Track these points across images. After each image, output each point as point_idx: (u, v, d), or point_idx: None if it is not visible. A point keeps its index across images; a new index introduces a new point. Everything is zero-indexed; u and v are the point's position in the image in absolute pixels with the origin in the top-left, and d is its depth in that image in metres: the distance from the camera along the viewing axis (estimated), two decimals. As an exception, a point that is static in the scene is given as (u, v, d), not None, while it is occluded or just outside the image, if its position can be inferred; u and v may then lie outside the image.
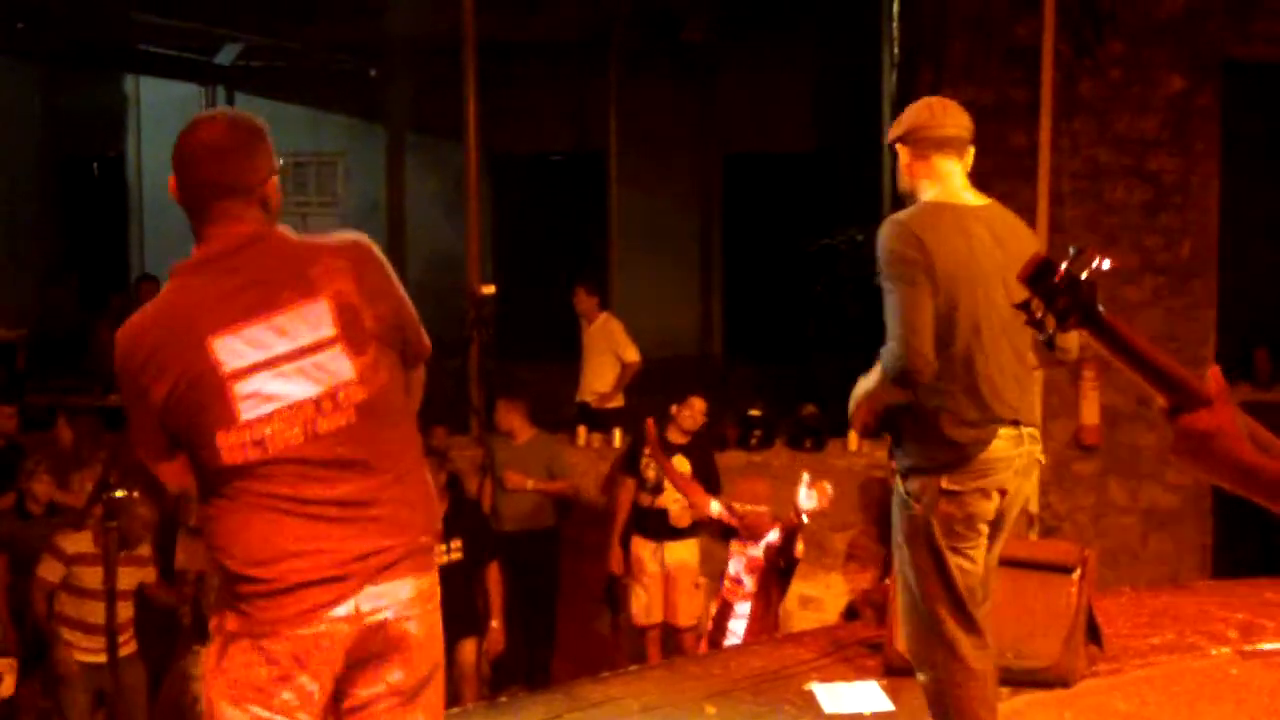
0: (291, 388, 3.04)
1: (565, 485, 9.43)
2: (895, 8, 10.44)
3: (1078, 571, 5.71)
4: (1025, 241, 4.16)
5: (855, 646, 6.30)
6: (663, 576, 8.92)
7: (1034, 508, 8.68)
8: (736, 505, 7.32)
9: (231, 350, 3.01)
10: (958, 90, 9.02)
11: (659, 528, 8.91)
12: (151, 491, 7.87)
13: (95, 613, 7.59)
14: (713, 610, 7.48)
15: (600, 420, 10.44)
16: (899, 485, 4.19)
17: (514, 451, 9.36)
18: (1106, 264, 2.22)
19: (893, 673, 5.77)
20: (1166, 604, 6.90)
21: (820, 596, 9.48)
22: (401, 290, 3.19)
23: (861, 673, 5.94)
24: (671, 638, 8.96)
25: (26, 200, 15.63)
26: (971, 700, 4.17)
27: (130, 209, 16.13)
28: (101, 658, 7.61)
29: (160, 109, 15.70)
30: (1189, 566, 8.93)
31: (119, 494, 6.36)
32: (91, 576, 7.72)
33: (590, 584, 9.66)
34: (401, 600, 3.11)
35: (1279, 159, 9.30)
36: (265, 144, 3.14)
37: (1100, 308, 2.17)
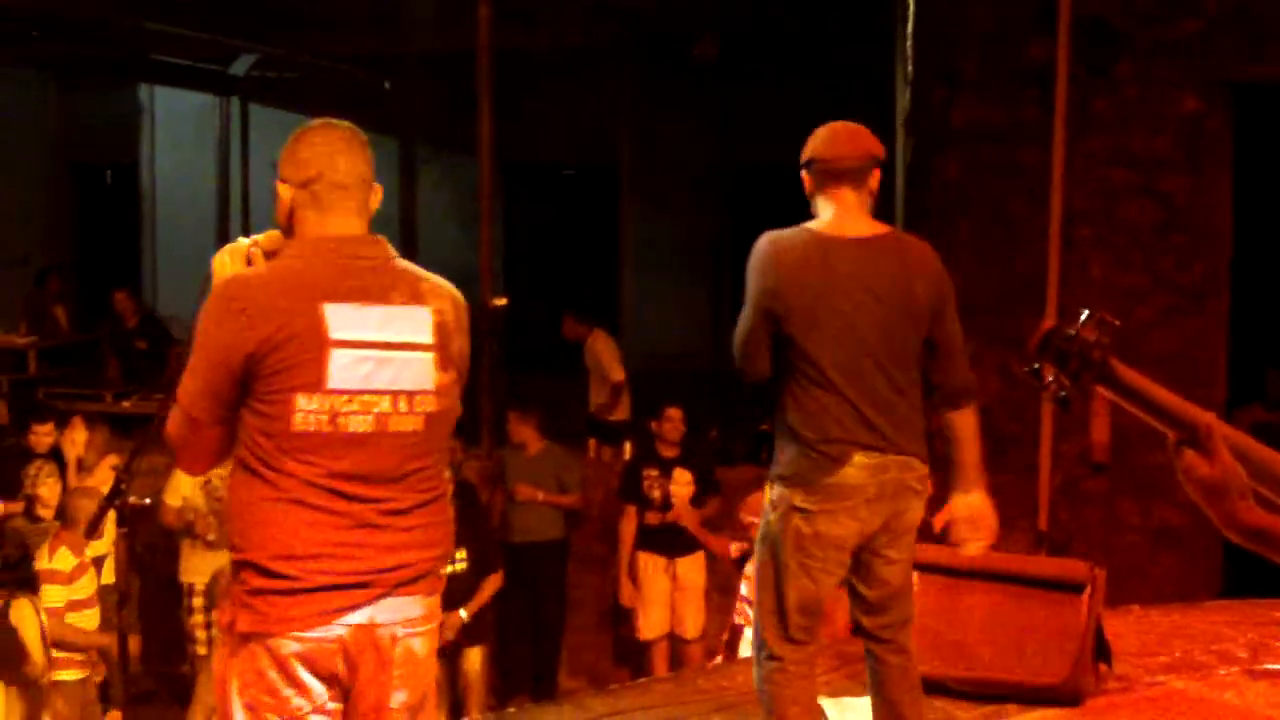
0: (381, 374, 3.11)
1: (575, 498, 9.46)
2: (909, 25, 10.46)
3: (1088, 589, 5.71)
4: (916, 272, 4.26)
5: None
6: (671, 591, 8.94)
7: (1043, 524, 8.70)
8: (744, 516, 7.32)
9: (341, 319, 3.08)
10: (969, 107, 9.05)
11: (670, 543, 8.93)
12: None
13: (87, 620, 7.65)
14: (725, 635, 7.50)
15: (608, 433, 10.48)
16: (768, 488, 4.36)
17: (525, 463, 9.38)
18: (1111, 324, 2.25)
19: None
20: (1176, 622, 6.90)
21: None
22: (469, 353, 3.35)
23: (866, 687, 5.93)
24: (678, 649, 8.97)
25: (40, 207, 15.68)
26: (786, 702, 4.34)
27: (143, 217, 16.18)
28: (85, 671, 7.65)
29: (174, 118, 15.80)
30: (1199, 585, 8.91)
31: (133, 499, 6.36)
32: (82, 587, 7.75)
33: (600, 597, 9.67)
34: (412, 618, 3.15)
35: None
36: (369, 149, 3.33)
37: (1115, 365, 2.19)
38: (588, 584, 9.64)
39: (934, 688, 5.64)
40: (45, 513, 8.47)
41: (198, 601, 8.57)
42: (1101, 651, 5.81)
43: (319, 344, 3.05)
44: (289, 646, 3.05)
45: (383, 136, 15.02)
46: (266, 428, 3.06)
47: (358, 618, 3.08)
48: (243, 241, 3.29)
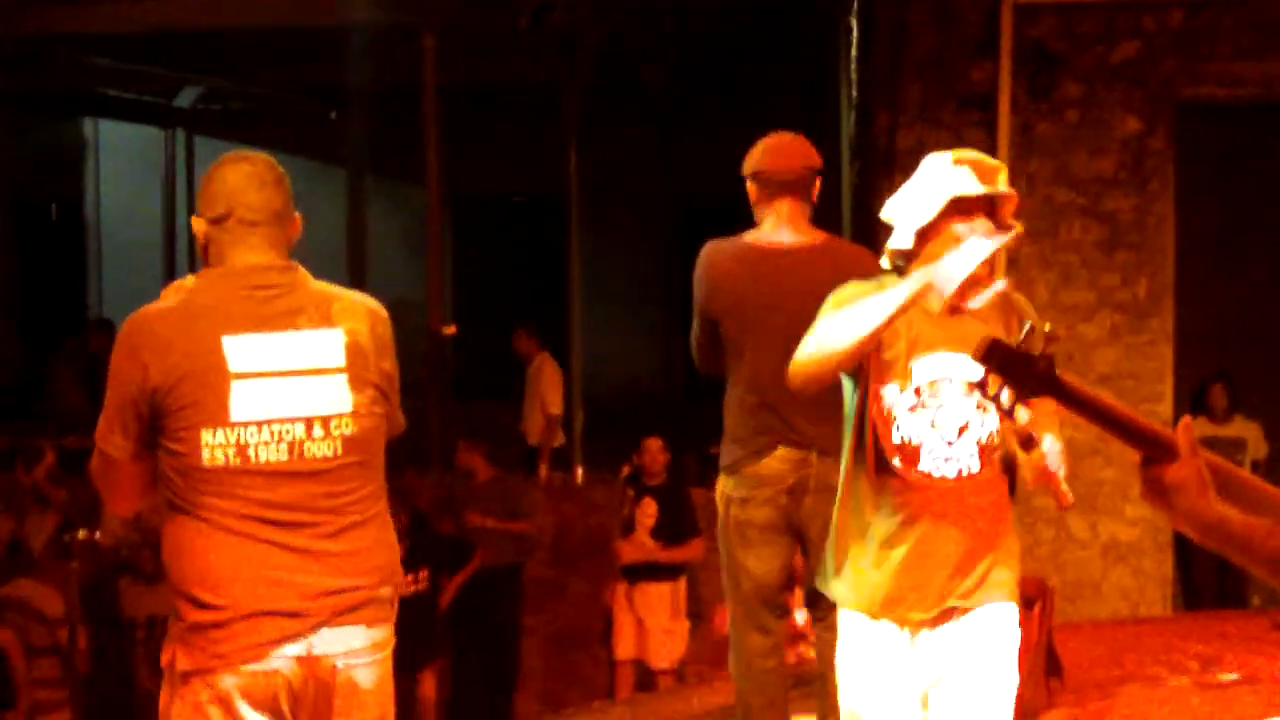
0: (289, 403, 3.08)
1: (526, 524, 9.44)
2: (853, 51, 10.54)
3: (1038, 605, 5.73)
4: (846, 277, 4.26)
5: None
6: (635, 619, 8.94)
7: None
8: None
9: (241, 350, 3.06)
10: (913, 132, 9.12)
11: (634, 570, 8.94)
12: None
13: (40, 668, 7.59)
14: None
15: (556, 458, 10.50)
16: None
17: (474, 491, 9.37)
18: (1052, 335, 2.30)
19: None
20: (1127, 636, 6.95)
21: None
22: (397, 369, 3.30)
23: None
24: (647, 678, 8.95)
25: (-17, 243, 15.57)
26: (752, 694, 4.62)
27: (88, 251, 16.07)
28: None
29: (119, 152, 15.72)
30: (1149, 599, 8.98)
31: (81, 534, 6.34)
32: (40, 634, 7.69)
33: (559, 621, 9.65)
34: (353, 648, 3.11)
35: (1232, 198, 9.41)
36: (287, 182, 3.29)
37: (1061, 375, 2.22)
38: (541, 609, 9.62)
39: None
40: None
41: (139, 634, 8.49)
42: (1053, 666, 5.83)
43: (220, 378, 3.03)
44: (228, 681, 3.01)
45: (331, 166, 15.02)
46: (178, 465, 3.05)
47: (296, 649, 3.04)
48: (187, 281, 3.27)
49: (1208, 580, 9.03)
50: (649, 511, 8.95)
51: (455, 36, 11.13)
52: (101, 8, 11.74)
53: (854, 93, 10.35)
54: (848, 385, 3.53)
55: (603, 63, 13.04)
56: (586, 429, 11.08)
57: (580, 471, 10.09)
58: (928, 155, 3.49)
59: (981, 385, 2.33)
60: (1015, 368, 2.24)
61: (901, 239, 3.48)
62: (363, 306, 3.23)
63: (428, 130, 10.57)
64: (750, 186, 4.66)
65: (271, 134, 14.84)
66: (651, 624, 8.90)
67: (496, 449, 9.62)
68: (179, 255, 15.15)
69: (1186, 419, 2.21)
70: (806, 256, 4.52)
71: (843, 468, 3.55)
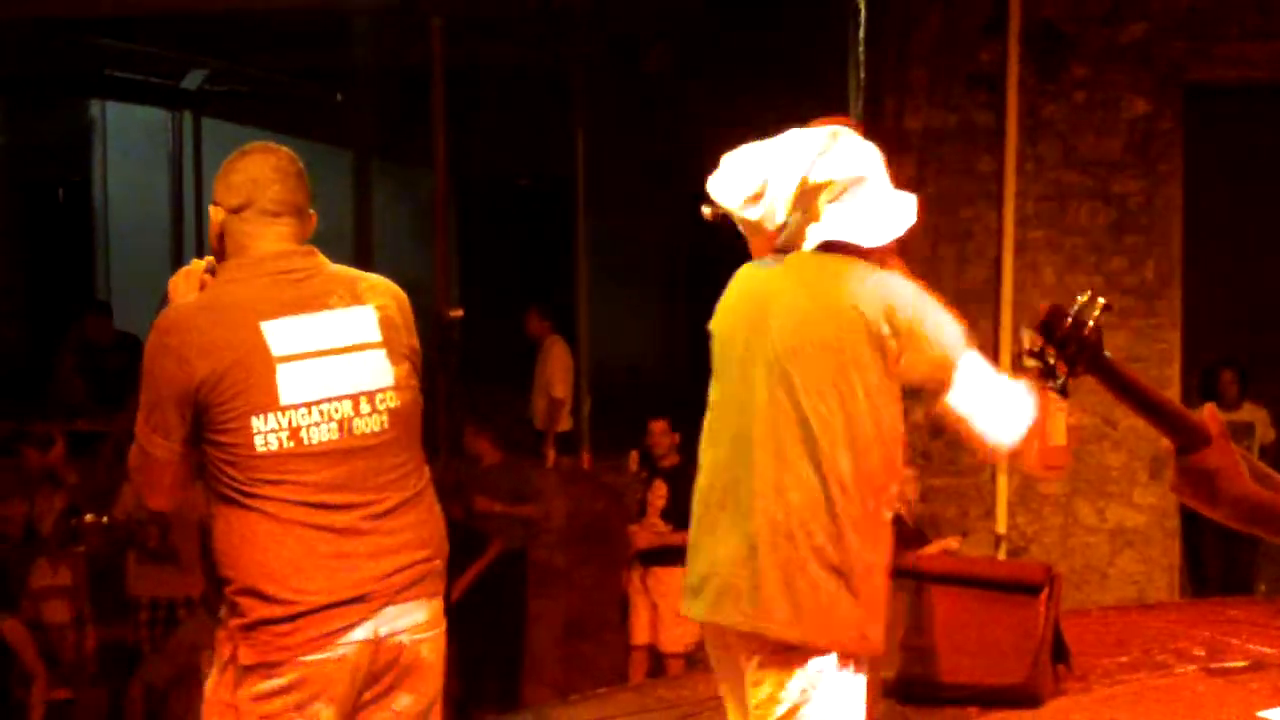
0: (335, 381, 3.08)
1: (532, 508, 9.44)
2: (861, 33, 10.51)
3: (1045, 591, 5.73)
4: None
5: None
6: (650, 603, 8.94)
7: (1001, 527, 8.75)
8: None
9: (283, 334, 3.06)
10: (921, 114, 9.08)
11: (647, 553, 8.95)
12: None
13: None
14: None
15: (565, 442, 10.49)
16: None
17: (481, 475, 9.36)
18: (1108, 306, 2.25)
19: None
20: (1134, 623, 6.94)
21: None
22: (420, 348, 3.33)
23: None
24: (659, 663, 8.96)
25: (-10, 226, 15.56)
26: None
27: (95, 235, 16.06)
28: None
29: (126, 134, 15.69)
30: (1156, 586, 8.96)
31: (88, 518, 6.35)
32: (55, 610, 7.69)
33: (565, 608, 9.65)
34: (418, 623, 3.12)
35: (1242, 180, 9.37)
36: (306, 182, 3.32)
37: (1106, 353, 2.19)
38: (548, 594, 9.62)
39: (893, 692, 5.66)
40: (14, 531, 8.41)
41: (144, 615, 8.50)
42: (1060, 653, 5.82)
43: (265, 363, 3.02)
44: (294, 673, 3.01)
45: (337, 149, 15.00)
46: (229, 457, 3.04)
47: (362, 633, 3.04)
48: (197, 263, 3.26)
49: (1215, 566, 9.02)
50: (660, 494, 8.95)
51: (463, 19, 11.09)
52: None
53: (861, 75, 10.31)
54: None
55: (610, 46, 13.01)
56: (594, 412, 11.07)
57: (587, 456, 10.08)
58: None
59: (1040, 355, 2.28)
60: (1068, 339, 2.21)
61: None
62: (384, 285, 3.27)
63: (435, 113, 10.52)
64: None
65: (278, 117, 14.83)
66: (664, 608, 8.90)
67: (503, 433, 9.61)
68: (186, 237, 15.13)
69: (1210, 406, 2.21)
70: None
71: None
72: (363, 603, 3.03)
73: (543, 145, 14.26)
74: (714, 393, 3.53)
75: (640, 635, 8.97)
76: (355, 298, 3.17)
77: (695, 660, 8.81)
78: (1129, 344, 8.88)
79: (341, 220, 15.06)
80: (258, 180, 3.19)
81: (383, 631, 3.06)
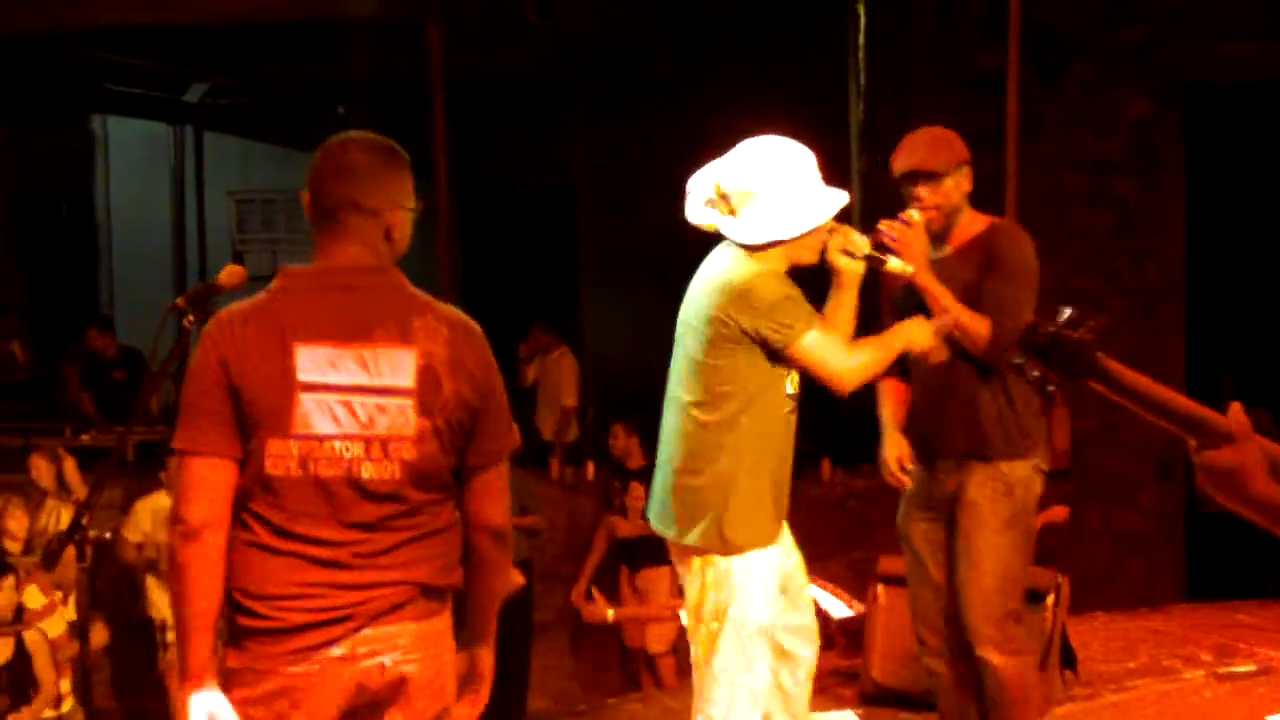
0: (351, 420, 3.02)
1: (536, 518, 9.42)
2: (860, 38, 10.50)
3: (1051, 597, 5.71)
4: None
5: (831, 676, 6.28)
6: (637, 604, 8.93)
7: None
8: None
9: (312, 362, 3.01)
10: (922, 118, 9.06)
11: (632, 556, 8.93)
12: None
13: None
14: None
15: (569, 453, 10.47)
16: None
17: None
18: (1092, 325, 2.24)
19: (868, 701, 5.77)
20: (1141, 628, 6.92)
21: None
22: (498, 383, 3.23)
23: (838, 702, 5.93)
24: (650, 664, 8.94)
25: (-8, 240, 15.57)
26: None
27: (98, 248, 16.07)
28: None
29: (128, 148, 15.69)
30: (1163, 590, 8.94)
31: (92, 534, 6.31)
32: (51, 626, 7.67)
33: (569, 618, 9.63)
34: (402, 645, 3.08)
35: (1243, 181, 9.36)
36: (401, 172, 3.26)
37: (1104, 361, 2.18)
38: (553, 605, 9.60)
39: (897, 699, 5.64)
40: (13, 545, 8.39)
41: (170, 637, 8.48)
42: (1067, 658, 5.81)
43: (289, 388, 2.99)
44: (274, 682, 3.02)
45: (339, 161, 14.95)
46: (247, 465, 3.03)
47: (339, 650, 3.03)
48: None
49: (1221, 570, 8.99)
50: (638, 495, 8.91)
51: (462, 29, 11.10)
52: (109, 3, 11.73)
53: (862, 79, 10.31)
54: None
55: (610, 52, 13.00)
56: (596, 419, 11.04)
57: (592, 466, 10.06)
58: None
59: (1019, 369, 2.29)
60: (1052, 353, 2.21)
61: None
62: (445, 326, 3.11)
63: (436, 123, 10.53)
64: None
65: (279, 129, 14.84)
66: (655, 608, 8.88)
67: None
68: (188, 251, 15.13)
69: (1237, 404, 2.18)
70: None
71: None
72: (341, 624, 3.03)
73: (544, 153, 14.26)
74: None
75: (633, 639, 8.95)
76: (403, 337, 3.06)
77: (678, 650, 8.79)
78: (1131, 346, 8.87)
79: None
80: (318, 173, 3.16)
81: (361, 650, 3.04)
